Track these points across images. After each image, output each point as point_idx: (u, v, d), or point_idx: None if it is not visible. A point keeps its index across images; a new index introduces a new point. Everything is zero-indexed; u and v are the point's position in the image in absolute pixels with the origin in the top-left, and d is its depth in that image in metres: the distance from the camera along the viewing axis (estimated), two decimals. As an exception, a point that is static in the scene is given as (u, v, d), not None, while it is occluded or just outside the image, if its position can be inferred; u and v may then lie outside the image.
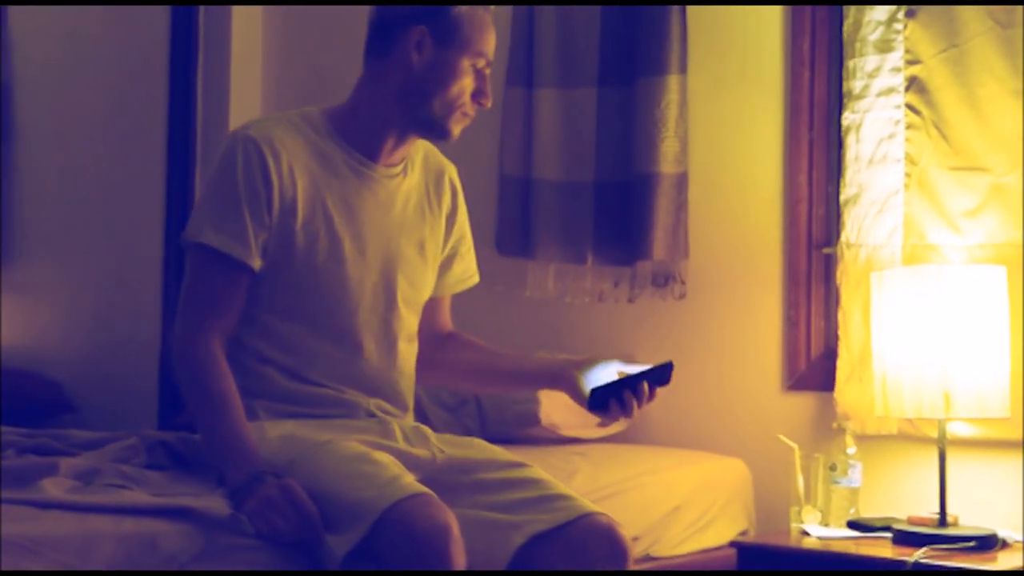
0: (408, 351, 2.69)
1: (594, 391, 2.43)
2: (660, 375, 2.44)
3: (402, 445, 2.50)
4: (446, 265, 2.78)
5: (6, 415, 3.93)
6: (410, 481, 2.29)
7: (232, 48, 4.80)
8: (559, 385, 2.60)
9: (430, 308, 2.77)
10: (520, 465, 2.54)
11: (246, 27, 4.83)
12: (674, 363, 2.46)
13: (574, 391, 2.53)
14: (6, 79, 5.22)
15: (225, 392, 2.47)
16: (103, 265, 5.06)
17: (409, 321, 2.68)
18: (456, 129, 2.59)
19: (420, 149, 2.73)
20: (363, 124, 2.62)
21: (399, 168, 2.67)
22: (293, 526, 2.26)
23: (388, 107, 2.58)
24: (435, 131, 2.60)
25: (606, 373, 2.48)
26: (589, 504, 2.43)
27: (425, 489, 2.26)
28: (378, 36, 2.60)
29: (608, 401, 2.43)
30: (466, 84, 2.54)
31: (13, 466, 2.55)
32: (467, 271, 2.85)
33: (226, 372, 2.50)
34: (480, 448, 2.61)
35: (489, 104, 2.59)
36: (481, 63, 2.55)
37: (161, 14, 4.78)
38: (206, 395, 2.49)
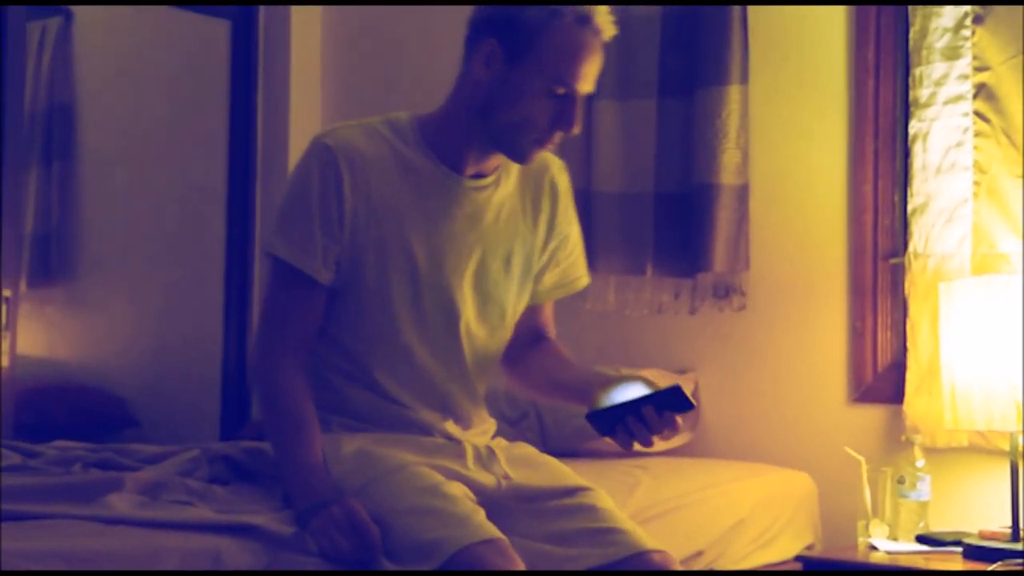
0: (479, 370, 2.58)
1: (590, 414, 2.31)
2: (667, 400, 2.23)
3: (471, 470, 2.43)
4: (540, 273, 2.62)
5: (72, 430, 3.96)
6: (482, 521, 2.24)
7: (292, 61, 4.83)
8: (584, 402, 2.44)
9: (527, 311, 2.63)
10: (582, 490, 2.45)
11: (305, 39, 4.86)
12: (681, 386, 2.24)
13: None
14: (69, 98, 5.30)
15: (301, 416, 2.42)
16: (166, 281, 5.10)
17: (486, 340, 2.56)
18: (529, 154, 2.42)
19: None
20: (448, 133, 2.47)
21: (491, 179, 2.51)
22: (353, 547, 2.23)
23: (465, 119, 2.43)
24: (505, 152, 2.43)
25: (628, 394, 2.31)
26: (646, 540, 2.34)
27: (497, 534, 2.21)
28: (466, 41, 2.43)
29: (614, 426, 2.28)
30: (540, 109, 2.34)
31: (79, 481, 2.58)
32: (565, 277, 2.67)
33: (303, 394, 2.45)
34: (548, 470, 2.52)
35: (575, 131, 2.39)
36: (561, 90, 2.33)
37: (221, 28, 4.82)
38: (282, 417, 2.43)
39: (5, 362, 4.14)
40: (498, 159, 2.48)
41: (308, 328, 2.47)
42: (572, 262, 2.67)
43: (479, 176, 2.48)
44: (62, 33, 5.22)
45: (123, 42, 5.22)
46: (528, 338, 2.66)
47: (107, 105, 5.30)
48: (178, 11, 4.74)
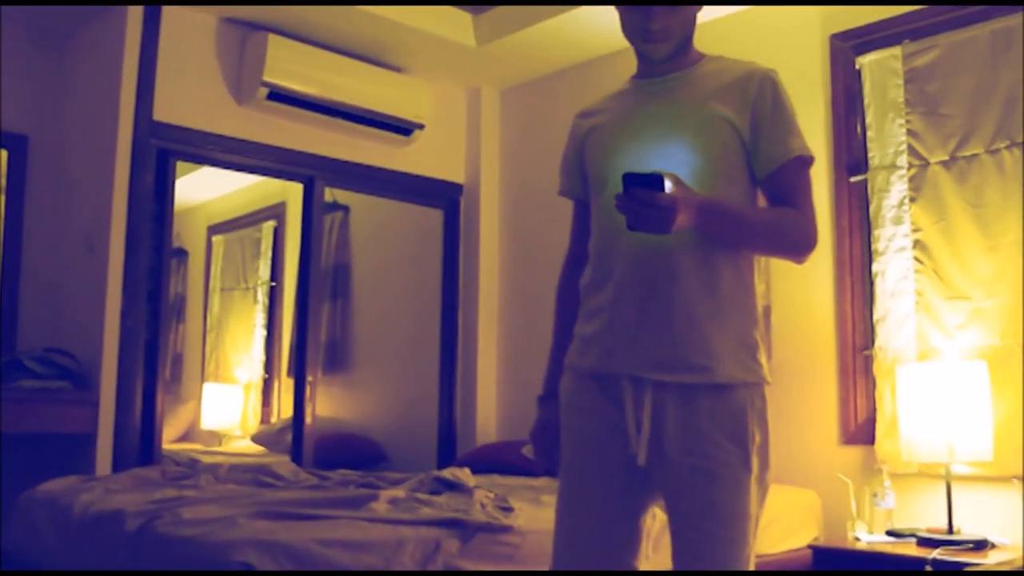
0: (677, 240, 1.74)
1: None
2: (643, 180, 1.63)
3: (630, 425, 1.75)
4: (753, 145, 1.81)
5: (348, 463, 4.06)
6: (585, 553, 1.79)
7: (480, 236, 4.92)
8: None
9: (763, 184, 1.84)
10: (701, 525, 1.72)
11: (489, 222, 4.95)
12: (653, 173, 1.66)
13: None
14: (348, 259, 5.41)
15: (555, 323, 2.01)
16: (404, 370, 5.15)
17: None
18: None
19: (726, 59, 1.90)
20: None
21: (687, 70, 1.88)
22: (544, 470, 2.01)
23: None
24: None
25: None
26: None
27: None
28: None
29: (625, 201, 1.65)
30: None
31: (352, 495, 2.69)
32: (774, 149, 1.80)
33: (563, 304, 2.00)
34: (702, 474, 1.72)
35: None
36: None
37: (437, 215, 4.93)
38: (554, 316, 2.03)
39: (309, 420, 4.25)
40: (687, 59, 1.90)
41: (576, 242, 2.02)
42: (777, 138, 1.82)
43: (672, 72, 1.89)
44: (343, 220, 5.33)
45: (379, 225, 5.31)
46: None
47: (369, 264, 5.37)
48: (411, 205, 4.87)
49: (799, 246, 1.81)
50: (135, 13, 3.89)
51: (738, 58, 1.90)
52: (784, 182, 1.82)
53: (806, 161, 1.83)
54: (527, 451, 2.03)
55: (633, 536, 1.81)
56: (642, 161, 1.78)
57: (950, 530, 2.97)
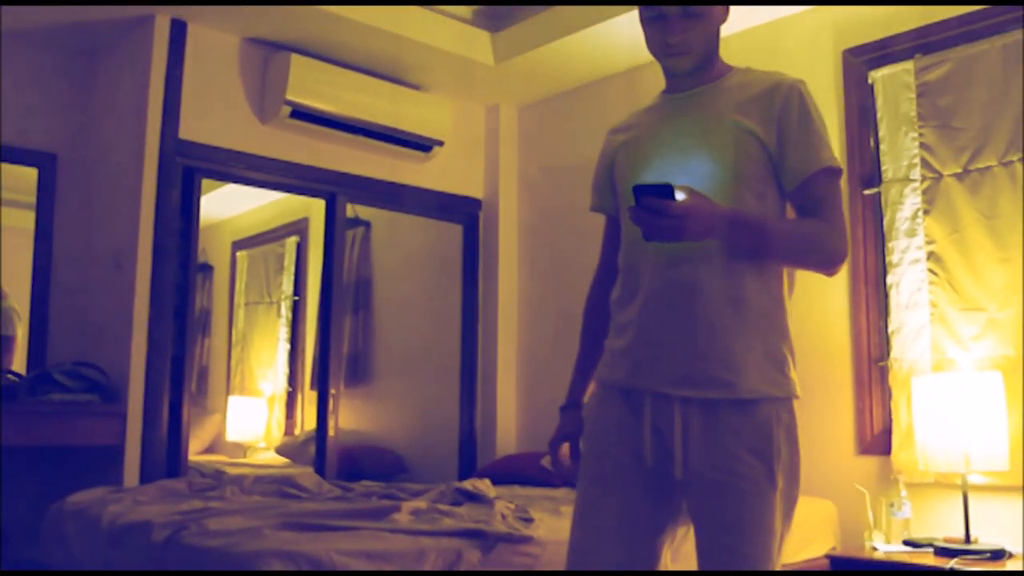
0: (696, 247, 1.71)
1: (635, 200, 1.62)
2: (655, 190, 1.60)
3: (646, 440, 1.74)
4: (780, 156, 1.76)
5: (371, 474, 4.08)
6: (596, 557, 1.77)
7: (500, 250, 4.94)
8: None
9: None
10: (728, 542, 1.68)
11: (508, 236, 4.97)
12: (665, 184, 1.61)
13: None
14: (369, 273, 5.43)
15: (584, 334, 1.99)
16: (424, 382, 5.16)
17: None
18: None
19: (751, 71, 1.87)
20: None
21: (714, 83, 1.85)
22: (562, 480, 1.97)
23: None
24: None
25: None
26: None
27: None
28: None
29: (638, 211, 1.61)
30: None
31: (374, 506, 2.71)
32: (801, 162, 1.75)
33: (591, 318, 1.98)
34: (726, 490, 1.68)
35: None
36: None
37: (457, 230, 4.96)
38: (581, 329, 2.01)
39: (332, 432, 4.25)
40: (711, 72, 1.86)
41: (606, 257, 2.00)
42: (803, 150, 1.76)
43: (698, 86, 1.86)
44: (364, 235, 5.37)
45: (400, 239, 5.33)
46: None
47: (391, 278, 5.39)
48: (431, 220, 4.88)
49: (829, 258, 1.75)
50: (161, 34, 3.94)
51: (767, 70, 1.87)
52: (812, 193, 1.75)
53: (834, 172, 1.76)
54: (546, 462, 2.03)
55: (651, 552, 1.77)
56: (667, 175, 1.73)
57: (967, 539, 2.96)
